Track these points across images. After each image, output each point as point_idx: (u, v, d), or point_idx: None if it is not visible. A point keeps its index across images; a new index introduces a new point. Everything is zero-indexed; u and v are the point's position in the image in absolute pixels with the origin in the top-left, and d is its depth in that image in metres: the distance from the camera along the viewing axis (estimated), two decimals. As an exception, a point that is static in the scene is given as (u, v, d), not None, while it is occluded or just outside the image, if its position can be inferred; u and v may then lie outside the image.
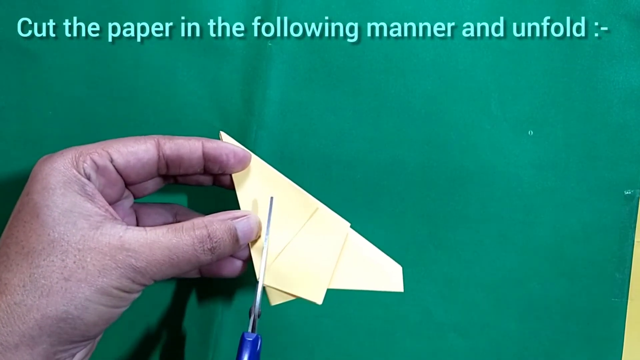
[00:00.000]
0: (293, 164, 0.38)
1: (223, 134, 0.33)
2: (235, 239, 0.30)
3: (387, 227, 0.38)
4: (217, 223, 0.29)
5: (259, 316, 0.31)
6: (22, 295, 0.26)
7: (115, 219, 0.28)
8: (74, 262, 0.26)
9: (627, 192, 0.39)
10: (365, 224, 0.38)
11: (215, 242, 0.29)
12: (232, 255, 0.33)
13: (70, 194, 0.27)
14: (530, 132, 0.39)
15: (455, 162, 0.38)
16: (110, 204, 0.30)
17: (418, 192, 0.38)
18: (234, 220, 0.30)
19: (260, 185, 0.33)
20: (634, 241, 0.39)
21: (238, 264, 0.34)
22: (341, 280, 0.33)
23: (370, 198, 0.38)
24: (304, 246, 0.33)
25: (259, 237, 0.32)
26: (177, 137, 0.31)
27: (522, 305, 0.39)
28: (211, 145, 0.31)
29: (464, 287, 0.39)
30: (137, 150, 0.29)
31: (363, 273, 0.33)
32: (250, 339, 0.29)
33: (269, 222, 0.32)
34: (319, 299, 0.32)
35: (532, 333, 0.39)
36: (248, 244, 0.32)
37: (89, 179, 0.28)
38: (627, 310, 0.39)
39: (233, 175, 0.33)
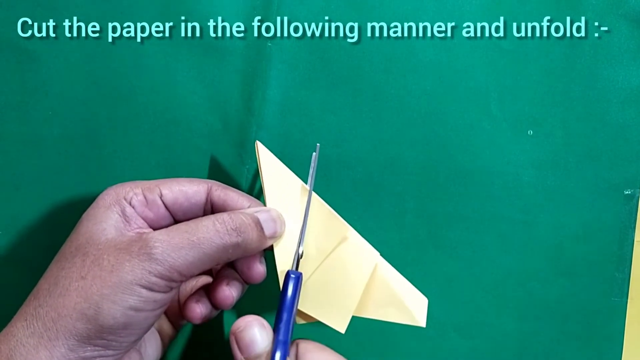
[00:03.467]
0: (293, 164, 0.37)
1: (259, 145, 0.33)
2: (260, 227, 0.29)
3: (387, 227, 0.38)
4: (237, 212, 0.29)
5: (301, 257, 0.32)
6: (46, 297, 0.26)
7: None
8: (92, 261, 0.26)
9: (627, 192, 0.39)
10: (366, 224, 0.38)
11: (239, 223, 0.28)
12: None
13: (109, 212, 0.28)
14: (530, 132, 0.39)
15: (455, 162, 0.38)
16: None
17: (418, 192, 0.38)
18: (256, 212, 0.30)
19: (291, 203, 0.33)
20: (633, 241, 0.39)
21: (261, 268, 0.32)
22: (365, 310, 0.33)
23: (370, 198, 0.38)
24: (332, 272, 0.33)
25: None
26: (230, 188, 0.31)
27: (522, 305, 0.39)
28: (262, 211, 0.31)
29: (464, 287, 0.39)
30: (187, 190, 0.30)
31: (388, 305, 0.33)
32: (295, 276, 0.31)
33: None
34: (342, 328, 0.32)
35: (532, 333, 0.39)
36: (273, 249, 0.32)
37: (133, 207, 0.29)
38: (627, 309, 0.39)
39: (264, 189, 0.32)
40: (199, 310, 0.30)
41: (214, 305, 0.31)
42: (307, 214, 0.33)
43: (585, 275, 0.39)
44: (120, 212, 0.28)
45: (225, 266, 0.32)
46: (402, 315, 0.33)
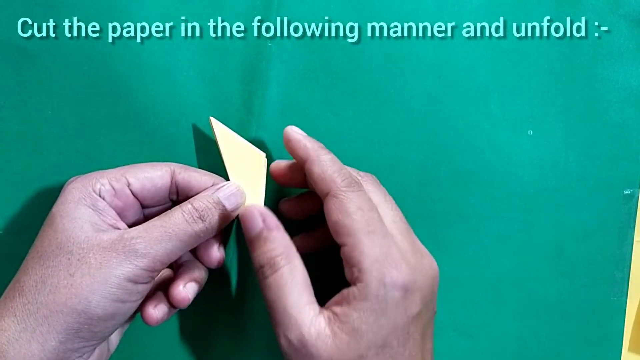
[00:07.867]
0: (293, 164, 0.38)
1: (213, 120, 0.34)
2: (221, 206, 0.32)
3: (387, 226, 0.38)
4: (199, 197, 0.32)
5: None
6: (35, 295, 0.28)
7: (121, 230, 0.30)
8: (78, 260, 0.28)
9: (627, 192, 0.39)
10: (366, 224, 0.38)
11: (202, 210, 0.31)
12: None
13: (81, 206, 0.30)
14: (530, 132, 0.39)
15: (455, 161, 0.38)
16: (130, 226, 0.32)
17: (418, 192, 0.38)
18: (216, 192, 0.32)
19: (252, 172, 0.35)
20: (633, 240, 0.39)
21: (218, 253, 0.34)
22: None
23: (371, 198, 0.38)
24: None
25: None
26: (192, 169, 0.34)
27: (522, 305, 0.39)
28: (221, 189, 0.33)
29: (464, 287, 0.39)
30: (152, 176, 0.32)
31: None
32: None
33: None
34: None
35: (532, 333, 0.39)
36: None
37: (103, 198, 0.30)
38: (627, 309, 0.39)
39: (225, 163, 0.34)
40: (155, 316, 0.32)
41: (172, 304, 0.33)
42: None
43: (584, 275, 0.39)
44: (92, 206, 0.30)
45: (182, 265, 0.34)
46: None
